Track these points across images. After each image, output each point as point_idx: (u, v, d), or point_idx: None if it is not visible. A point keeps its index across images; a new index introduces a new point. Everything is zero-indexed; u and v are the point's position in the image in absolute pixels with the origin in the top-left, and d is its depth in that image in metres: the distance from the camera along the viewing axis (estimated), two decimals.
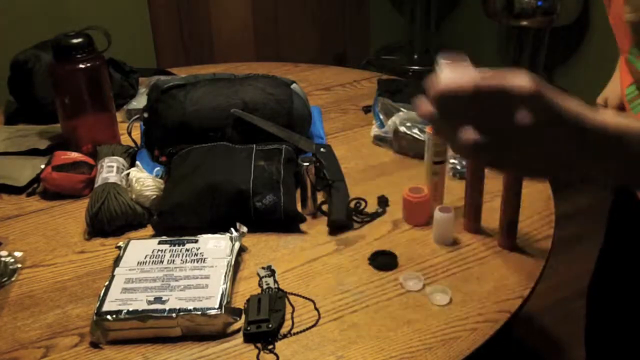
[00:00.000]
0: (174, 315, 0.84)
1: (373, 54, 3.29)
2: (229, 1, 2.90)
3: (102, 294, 0.88)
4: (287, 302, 0.91)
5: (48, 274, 1.00)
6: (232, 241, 0.98)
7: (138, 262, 0.94)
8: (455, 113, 0.54)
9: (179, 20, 2.84)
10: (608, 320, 1.16)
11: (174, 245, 0.98)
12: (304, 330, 0.86)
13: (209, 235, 0.99)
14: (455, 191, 1.15)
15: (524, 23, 2.51)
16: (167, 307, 0.85)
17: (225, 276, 0.91)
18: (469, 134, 0.53)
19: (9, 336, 0.88)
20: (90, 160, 1.20)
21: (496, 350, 0.96)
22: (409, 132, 1.26)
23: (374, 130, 1.34)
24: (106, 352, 0.84)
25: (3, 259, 1.02)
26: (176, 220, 1.04)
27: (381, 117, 1.34)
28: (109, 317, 0.85)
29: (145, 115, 1.27)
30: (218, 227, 1.02)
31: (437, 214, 1.01)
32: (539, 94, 0.52)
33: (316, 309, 0.90)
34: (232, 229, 1.00)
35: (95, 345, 0.85)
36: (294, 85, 1.29)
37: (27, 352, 0.85)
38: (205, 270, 0.92)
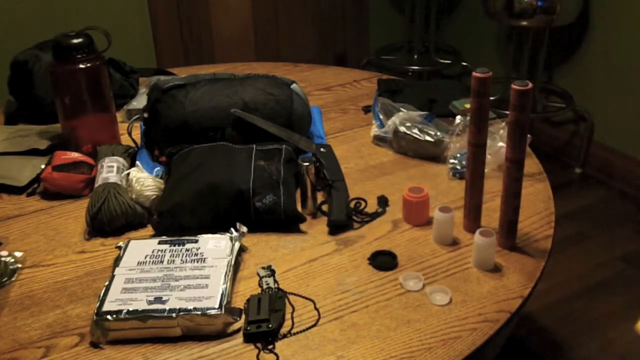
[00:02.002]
0: (174, 315, 0.84)
1: (373, 54, 3.29)
2: (229, 1, 2.90)
3: (102, 294, 0.88)
4: (287, 302, 0.91)
5: (48, 274, 1.00)
6: (232, 241, 0.98)
7: (138, 262, 0.94)
8: None
9: (179, 20, 2.84)
10: None
11: (174, 245, 0.98)
12: (304, 330, 0.86)
13: (209, 235, 0.99)
14: (455, 191, 1.15)
15: (524, 23, 2.51)
16: (167, 307, 0.85)
17: (225, 276, 0.91)
18: None
19: (9, 336, 0.88)
20: (90, 160, 1.20)
21: (496, 350, 0.96)
22: (408, 132, 1.26)
23: (374, 130, 1.34)
24: (106, 352, 0.84)
25: (3, 259, 1.02)
26: (176, 220, 1.04)
27: (381, 117, 1.34)
28: (109, 317, 0.85)
29: (145, 115, 1.27)
30: (218, 227, 1.02)
31: (437, 214, 1.01)
32: None
33: (316, 309, 0.90)
34: (232, 229, 1.00)
35: (95, 345, 0.85)
36: (294, 85, 1.29)
37: (27, 352, 0.85)
38: (205, 270, 0.92)
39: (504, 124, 1.24)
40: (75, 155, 1.20)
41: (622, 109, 2.55)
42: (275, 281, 0.95)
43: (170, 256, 0.95)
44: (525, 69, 2.74)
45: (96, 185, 1.12)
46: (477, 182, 1.02)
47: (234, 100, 1.24)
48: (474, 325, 0.87)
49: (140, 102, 1.46)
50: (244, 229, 1.01)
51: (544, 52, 2.69)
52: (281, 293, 0.92)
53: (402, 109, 1.33)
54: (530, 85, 0.90)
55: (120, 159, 1.18)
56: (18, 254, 1.04)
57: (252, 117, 1.22)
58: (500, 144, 1.20)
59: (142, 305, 0.86)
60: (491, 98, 0.97)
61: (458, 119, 1.27)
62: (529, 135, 0.97)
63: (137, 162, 1.19)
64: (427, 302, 0.91)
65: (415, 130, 1.26)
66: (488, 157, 1.10)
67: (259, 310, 0.87)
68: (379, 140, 1.33)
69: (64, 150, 1.22)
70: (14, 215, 1.15)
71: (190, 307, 0.85)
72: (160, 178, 1.14)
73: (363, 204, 1.10)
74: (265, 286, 0.94)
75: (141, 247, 0.98)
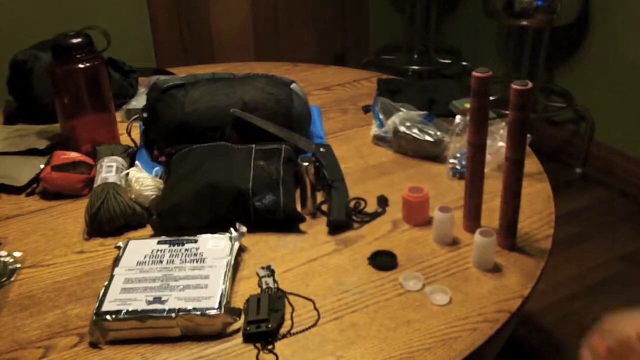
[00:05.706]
0: (173, 315, 0.84)
1: (373, 54, 3.29)
2: (229, 1, 2.90)
3: (101, 294, 0.88)
4: (286, 303, 0.91)
5: (47, 274, 1.00)
6: (231, 241, 0.98)
7: (138, 263, 0.94)
8: None
9: (179, 20, 2.84)
10: None
11: (174, 246, 0.97)
12: (303, 331, 0.86)
13: (209, 236, 0.99)
14: (455, 191, 1.15)
15: (524, 23, 2.51)
16: (166, 307, 0.85)
17: (224, 276, 0.91)
18: None
19: (9, 337, 0.88)
20: (89, 161, 1.20)
21: (496, 350, 0.96)
22: (408, 132, 1.26)
23: (374, 130, 1.34)
24: (106, 353, 0.84)
25: (3, 259, 1.02)
26: (176, 220, 1.04)
27: (381, 117, 1.33)
28: (108, 317, 0.84)
29: (145, 115, 1.27)
30: (218, 227, 1.02)
31: (437, 214, 1.01)
32: None
33: (316, 309, 0.90)
34: (232, 229, 1.00)
35: (94, 345, 0.85)
36: (293, 85, 1.29)
37: (26, 352, 0.85)
38: (205, 270, 0.92)
39: (504, 124, 1.24)
40: (74, 156, 1.20)
41: (623, 108, 2.55)
42: (275, 281, 0.95)
43: (170, 256, 0.95)
44: (526, 69, 2.73)
45: (95, 185, 1.11)
46: (477, 182, 1.02)
47: (233, 100, 1.23)
48: (474, 325, 0.86)
49: (139, 102, 1.46)
50: (244, 229, 1.00)
51: (544, 52, 2.68)
52: (281, 293, 0.92)
53: (402, 109, 1.33)
54: (530, 85, 0.90)
55: (120, 159, 1.18)
56: (17, 254, 1.04)
57: (252, 117, 1.22)
58: (500, 144, 1.20)
59: (141, 306, 0.86)
60: (491, 98, 0.97)
61: (458, 119, 1.27)
62: (529, 135, 0.97)
63: (137, 162, 1.19)
64: (427, 303, 0.91)
65: (415, 130, 1.26)
66: (488, 157, 1.10)
67: (258, 311, 0.87)
68: (379, 140, 1.33)
69: (63, 151, 1.21)
70: (13, 215, 1.15)
71: (190, 307, 0.85)
72: (160, 178, 1.14)
73: (363, 204, 1.10)
74: (265, 286, 0.94)
75: (141, 247, 0.98)
